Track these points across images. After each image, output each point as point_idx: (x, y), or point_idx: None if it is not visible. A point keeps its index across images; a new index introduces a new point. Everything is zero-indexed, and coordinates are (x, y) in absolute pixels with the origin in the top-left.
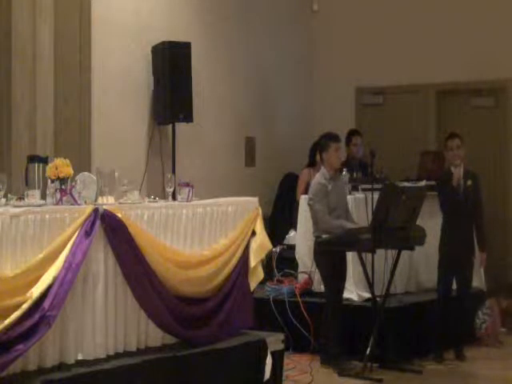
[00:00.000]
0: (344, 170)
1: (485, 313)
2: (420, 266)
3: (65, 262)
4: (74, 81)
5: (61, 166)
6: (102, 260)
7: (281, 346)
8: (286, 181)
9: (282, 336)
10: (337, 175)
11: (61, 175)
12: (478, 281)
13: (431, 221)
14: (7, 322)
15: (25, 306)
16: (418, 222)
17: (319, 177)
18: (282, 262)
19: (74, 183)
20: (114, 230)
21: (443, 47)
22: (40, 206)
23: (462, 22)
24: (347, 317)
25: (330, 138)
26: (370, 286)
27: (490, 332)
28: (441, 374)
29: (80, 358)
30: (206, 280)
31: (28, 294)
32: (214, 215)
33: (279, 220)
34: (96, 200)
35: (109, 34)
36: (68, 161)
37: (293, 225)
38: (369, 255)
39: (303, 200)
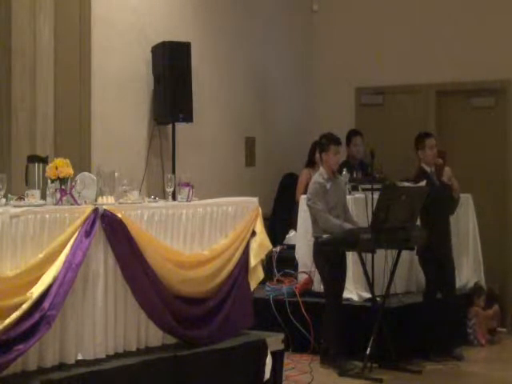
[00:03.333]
0: (344, 169)
1: (472, 324)
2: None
3: (65, 261)
4: (74, 81)
5: (61, 165)
6: (101, 260)
7: (281, 346)
8: (285, 181)
9: (281, 336)
10: (335, 175)
11: (61, 175)
12: (478, 277)
13: None
14: (7, 321)
15: (25, 306)
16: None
17: (317, 176)
18: (282, 262)
19: (74, 183)
20: (114, 230)
21: (443, 47)
22: (40, 205)
23: (462, 22)
24: (347, 317)
25: (331, 140)
26: (370, 286)
27: (484, 340)
28: (441, 373)
29: (80, 357)
30: (206, 280)
31: (28, 294)
32: (213, 215)
33: (279, 220)
34: (96, 200)
35: (109, 34)
36: (68, 161)
37: (293, 225)
38: (369, 255)
39: (303, 200)
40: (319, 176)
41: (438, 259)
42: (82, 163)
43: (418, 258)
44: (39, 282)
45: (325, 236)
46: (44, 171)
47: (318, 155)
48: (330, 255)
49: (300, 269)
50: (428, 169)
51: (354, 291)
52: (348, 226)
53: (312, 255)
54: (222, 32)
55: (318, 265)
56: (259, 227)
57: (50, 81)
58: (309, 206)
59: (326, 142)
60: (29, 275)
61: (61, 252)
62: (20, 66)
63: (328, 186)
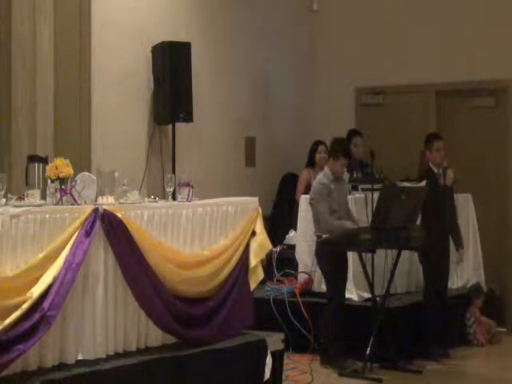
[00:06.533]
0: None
1: (471, 324)
2: (420, 265)
3: (65, 261)
4: (74, 81)
5: (61, 166)
6: (101, 260)
7: (281, 346)
8: (286, 181)
9: (282, 336)
10: (339, 177)
11: (61, 175)
12: (478, 277)
13: None
14: (7, 322)
15: (25, 306)
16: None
17: (321, 177)
18: (282, 262)
19: (74, 183)
20: (114, 230)
21: (443, 47)
22: (40, 205)
23: (462, 22)
24: (347, 317)
25: (342, 151)
26: (370, 285)
27: (484, 341)
28: (441, 373)
29: (80, 357)
30: (206, 280)
31: (28, 294)
32: (213, 215)
33: (279, 220)
34: (96, 200)
35: (109, 34)
36: (68, 161)
37: (293, 225)
38: (369, 255)
39: (303, 200)
40: (324, 176)
41: (436, 257)
42: (82, 163)
43: (418, 255)
44: (39, 282)
45: (325, 236)
46: (44, 171)
47: (319, 155)
48: (331, 254)
49: (300, 269)
50: (436, 170)
51: (354, 291)
52: (348, 223)
53: (314, 254)
54: (222, 32)
55: (320, 264)
56: (259, 227)
57: (50, 81)
58: (311, 204)
59: (339, 151)
60: (29, 275)
61: (61, 252)
62: (20, 66)
63: (332, 186)
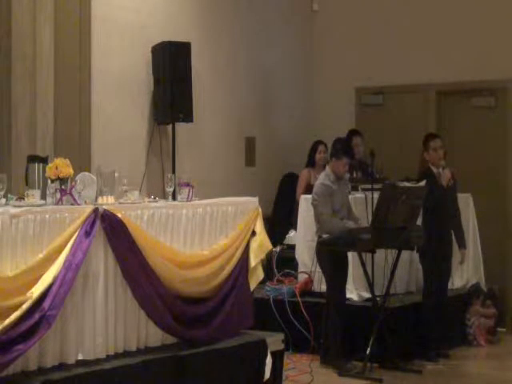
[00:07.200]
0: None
1: (471, 324)
2: (420, 265)
3: (65, 261)
4: (74, 81)
5: (61, 165)
6: (101, 260)
7: (281, 346)
8: (285, 181)
9: (282, 336)
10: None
11: (61, 175)
12: (478, 277)
13: None
14: (7, 322)
15: (25, 306)
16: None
17: (323, 178)
18: (282, 262)
19: (74, 183)
20: (114, 230)
21: (443, 47)
22: (40, 205)
23: (462, 21)
24: (347, 317)
25: (344, 151)
26: (370, 285)
27: (484, 341)
28: (441, 374)
29: (80, 357)
30: (206, 280)
31: (28, 294)
32: (214, 215)
33: (279, 220)
34: (96, 200)
35: (109, 34)
36: (68, 161)
37: (293, 225)
38: (369, 255)
39: (303, 200)
40: (326, 177)
41: (437, 258)
42: (82, 163)
43: (419, 255)
44: (39, 282)
45: (325, 236)
46: (44, 171)
47: (319, 155)
48: (331, 254)
49: (300, 269)
50: (435, 170)
51: (354, 291)
52: (350, 224)
53: (315, 254)
54: (222, 32)
55: (320, 264)
56: (259, 227)
57: (50, 81)
58: (313, 205)
59: (341, 151)
60: (29, 275)
61: (61, 252)
62: (20, 66)
63: (334, 187)
